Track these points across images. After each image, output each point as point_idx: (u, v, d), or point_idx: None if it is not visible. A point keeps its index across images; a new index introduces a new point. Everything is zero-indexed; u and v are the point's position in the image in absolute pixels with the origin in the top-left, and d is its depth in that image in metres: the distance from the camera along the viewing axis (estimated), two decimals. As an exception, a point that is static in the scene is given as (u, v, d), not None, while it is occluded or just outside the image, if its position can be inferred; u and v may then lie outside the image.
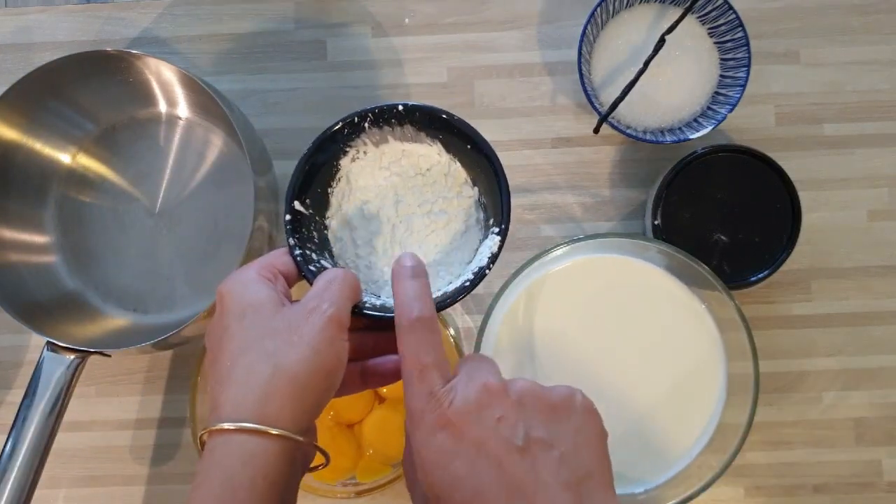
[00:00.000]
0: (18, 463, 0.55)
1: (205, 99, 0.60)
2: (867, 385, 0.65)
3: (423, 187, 0.50)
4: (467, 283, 0.46)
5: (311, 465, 0.43)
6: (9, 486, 0.54)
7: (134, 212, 0.65)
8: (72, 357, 0.57)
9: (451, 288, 0.47)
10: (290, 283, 0.44)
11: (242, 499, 0.36)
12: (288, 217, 0.47)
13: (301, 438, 0.38)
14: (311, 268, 0.46)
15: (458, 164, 0.50)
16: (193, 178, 0.65)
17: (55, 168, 0.65)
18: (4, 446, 0.55)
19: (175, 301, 0.65)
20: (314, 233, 0.48)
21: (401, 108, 0.47)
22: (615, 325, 0.61)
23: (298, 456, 0.39)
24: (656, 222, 0.61)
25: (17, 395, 0.60)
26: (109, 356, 0.59)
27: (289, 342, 0.38)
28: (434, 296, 0.44)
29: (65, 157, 0.65)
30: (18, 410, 0.56)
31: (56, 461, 0.65)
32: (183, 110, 0.65)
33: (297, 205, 0.47)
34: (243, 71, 0.67)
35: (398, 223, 0.49)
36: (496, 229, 0.48)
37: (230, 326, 0.39)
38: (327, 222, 0.50)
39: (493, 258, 0.46)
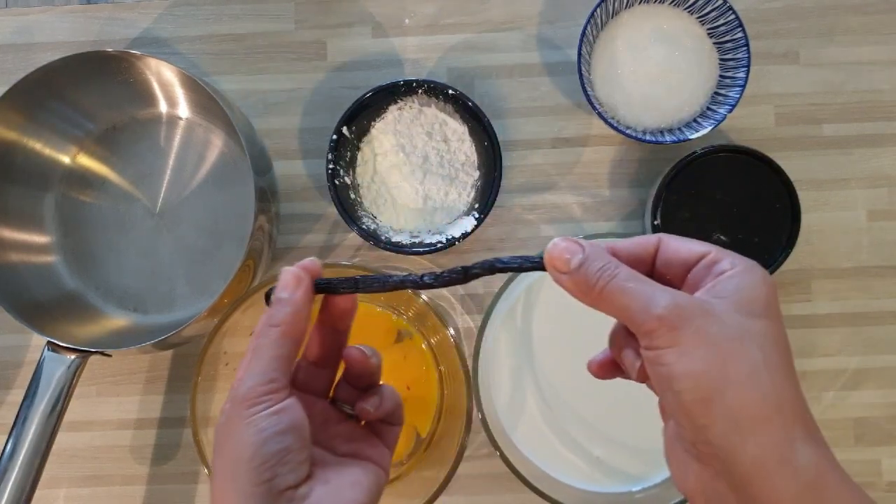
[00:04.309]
0: (19, 463, 0.55)
1: (205, 99, 0.60)
2: (867, 385, 0.65)
3: (443, 151, 0.64)
4: (440, 245, 0.60)
5: None
6: (9, 486, 0.54)
7: (134, 212, 0.65)
8: (72, 357, 0.57)
9: (427, 240, 0.62)
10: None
11: None
12: (334, 137, 0.61)
13: None
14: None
15: (475, 148, 0.64)
16: (194, 178, 0.65)
17: (56, 168, 0.65)
18: (5, 446, 0.55)
19: (175, 301, 0.65)
20: (347, 153, 0.63)
21: (451, 91, 0.61)
22: (615, 325, 0.61)
23: None
24: (656, 222, 0.61)
25: (17, 395, 0.60)
26: (110, 356, 0.59)
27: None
28: (418, 237, 0.62)
29: (65, 158, 0.65)
30: (19, 410, 0.56)
31: (56, 461, 0.65)
32: (183, 110, 0.65)
33: (344, 129, 0.62)
34: (243, 71, 0.67)
35: (416, 168, 0.63)
36: (477, 214, 0.62)
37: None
38: (361, 146, 0.64)
39: (465, 235, 0.60)
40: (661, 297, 0.33)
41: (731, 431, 0.31)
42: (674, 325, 0.32)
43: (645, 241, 0.36)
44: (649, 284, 0.34)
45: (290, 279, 0.36)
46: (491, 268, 0.37)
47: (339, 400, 0.41)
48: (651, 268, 0.36)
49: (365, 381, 0.41)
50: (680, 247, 0.36)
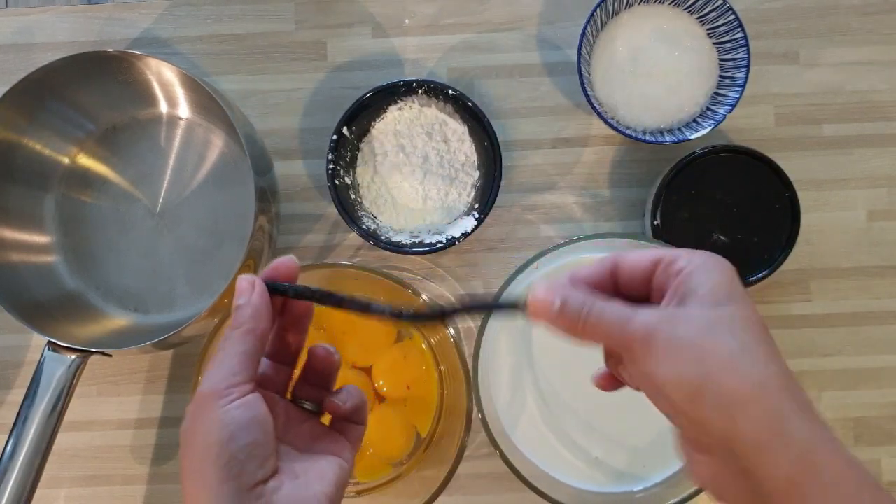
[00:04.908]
0: (19, 462, 0.55)
1: (205, 99, 0.60)
2: (866, 385, 0.65)
3: (443, 151, 0.64)
4: (440, 245, 0.61)
5: None
6: (10, 486, 0.54)
7: (135, 212, 0.65)
8: (73, 357, 0.57)
9: (427, 240, 0.62)
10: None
11: None
12: (334, 137, 0.61)
13: None
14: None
15: (475, 148, 0.64)
16: (194, 178, 0.65)
17: (56, 168, 0.65)
18: (6, 446, 0.55)
19: (175, 301, 0.65)
20: (347, 153, 0.63)
21: (451, 91, 0.62)
22: (615, 325, 0.61)
23: None
24: (656, 222, 0.61)
25: (18, 395, 0.60)
26: (110, 356, 0.59)
27: None
28: (418, 237, 0.62)
29: (65, 158, 0.65)
30: (19, 410, 0.56)
31: (57, 461, 0.65)
32: (184, 111, 0.65)
33: (344, 129, 0.62)
34: (244, 71, 0.68)
35: (416, 168, 0.63)
36: (477, 214, 0.62)
37: None
38: (361, 146, 0.64)
39: (465, 235, 0.61)
40: (630, 315, 0.35)
41: (723, 418, 0.33)
42: (645, 339, 0.34)
43: (600, 267, 0.38)
44: (619, 308, 0.36)
45: (245, 286, 0.38)
46: (467, 308, 0.41)
47: (299, 398, 0.42)
48: (615, 288, 0.38)
49: (325, 379, 0.42)
50: (635, 261, 0.37)
